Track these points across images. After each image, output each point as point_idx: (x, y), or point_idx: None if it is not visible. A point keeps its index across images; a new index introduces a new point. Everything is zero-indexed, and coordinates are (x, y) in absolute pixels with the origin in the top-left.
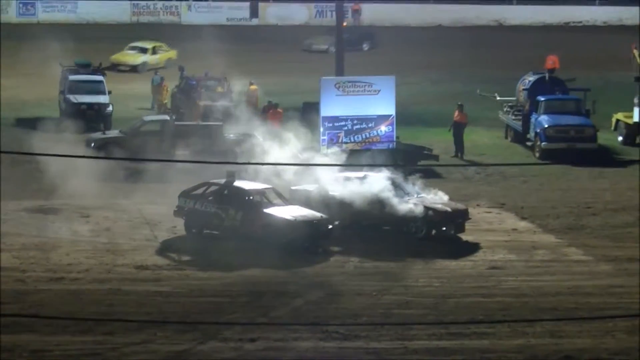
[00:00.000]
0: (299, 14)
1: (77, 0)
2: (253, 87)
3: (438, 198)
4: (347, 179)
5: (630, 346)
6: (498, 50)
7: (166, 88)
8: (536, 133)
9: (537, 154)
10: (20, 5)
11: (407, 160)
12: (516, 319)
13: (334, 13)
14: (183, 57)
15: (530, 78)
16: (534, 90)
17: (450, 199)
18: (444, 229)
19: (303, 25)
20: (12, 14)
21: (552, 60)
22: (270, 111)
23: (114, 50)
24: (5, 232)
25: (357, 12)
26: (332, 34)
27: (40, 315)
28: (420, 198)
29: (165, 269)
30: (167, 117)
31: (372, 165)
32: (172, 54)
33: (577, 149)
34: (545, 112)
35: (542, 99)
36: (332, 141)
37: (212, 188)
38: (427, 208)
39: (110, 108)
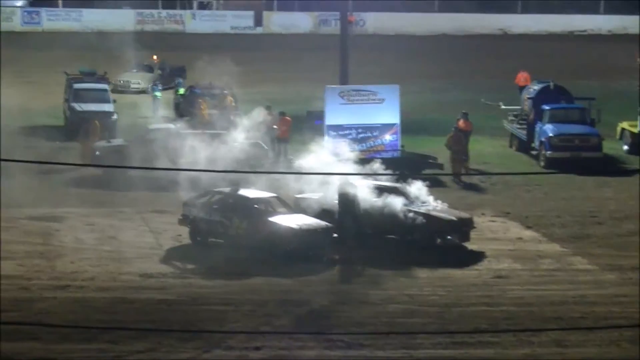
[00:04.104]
0: (303, 23)
1: (82, 8)
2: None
3: (443, 207)
4: (352, 187)
5: (635, 356)
6: (502, 59)
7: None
8: (541, 142)
9: (542, 163)
10: (25, 13)
11: (412, 169)
12: (521, 329)
13: (337, 22)
14: (185, 65)
15: (535, 87)
16: (538, 99)
17: (455, 207)
18: (449, 237)
19: (307, 33)
20: (16, 22)
21: (523, 77)
22: (278, 119)
23: (118, 59)
24: (9, 240)
25: (352, 24)
26: (149, 71)
27: (43, 323)
28: (425, 206)
29: (169, 277)
30: (172, 126)
31: (377, 174)
32: None
33: (582, 158)
34: (550, 121)
35: (547, 107)
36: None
37: (217, 196)
38: (431, 216)
39: (115, 116)
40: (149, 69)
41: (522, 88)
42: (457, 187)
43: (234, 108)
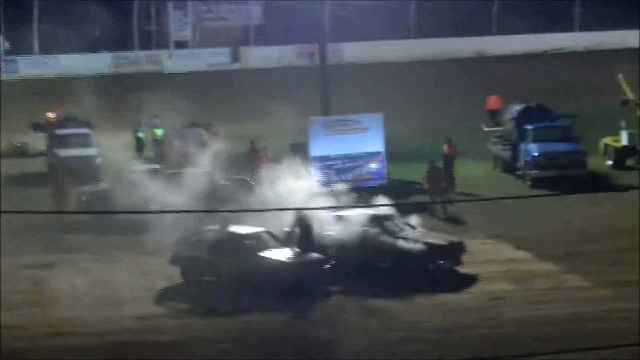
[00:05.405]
0: (281, 57)
1: (58, 54)
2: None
3: (433, 232)
4: (341, 217)
5: None
6: (479, 82)
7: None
8: (526, 162)
9: (528, 182)
10: (2, 62)
11: (399, 196)
12: (519, 351)
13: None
14: (164, 105)
15: (517, 107)
16: (521, 119)
17: (445, 232)
18: (441, 262)
19: (286, 67)
20: None
21: (493, 101)
22: (260, 154)
23: (96, 103)
24: (3, 290)
25: (312, 55)
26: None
27: None
28: (415, 233)
29: (165, 317)
30: (157, 167)
31: (366, 206)
32: None
33: (567, 176)
34: (534, 141)
35: (530, 127)
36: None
37: (207, 234)
38: (422, 243)
39: (98, 160)
40: (43, 128)
41: (493, 112)
42: (444, 213)
43: (213, 146)
